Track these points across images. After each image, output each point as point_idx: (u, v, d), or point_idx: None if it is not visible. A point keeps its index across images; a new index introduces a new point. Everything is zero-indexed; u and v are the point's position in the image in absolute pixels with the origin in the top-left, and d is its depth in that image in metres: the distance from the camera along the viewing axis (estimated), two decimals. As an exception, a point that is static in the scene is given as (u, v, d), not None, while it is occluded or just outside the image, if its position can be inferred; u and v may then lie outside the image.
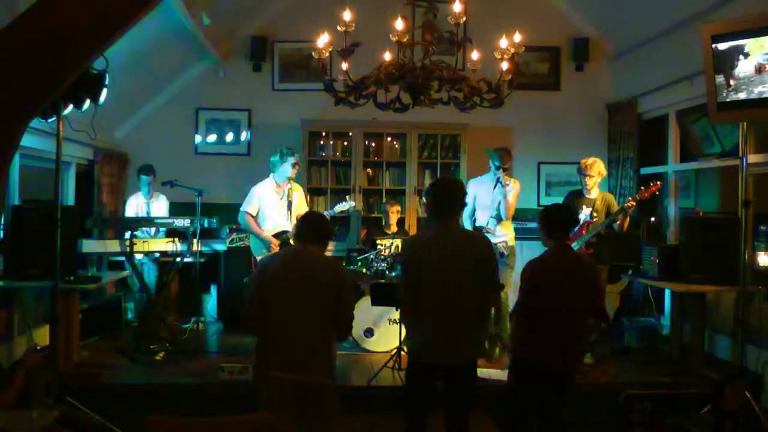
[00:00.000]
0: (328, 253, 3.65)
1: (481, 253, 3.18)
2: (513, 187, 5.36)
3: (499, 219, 5.35)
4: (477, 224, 5.43)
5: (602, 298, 3.60)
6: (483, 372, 3.87)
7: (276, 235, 5.31)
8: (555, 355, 3.31)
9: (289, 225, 5.34)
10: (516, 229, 5.70)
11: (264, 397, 2.93)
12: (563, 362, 3.36)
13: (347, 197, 6.60)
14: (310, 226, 3.15)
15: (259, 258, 5.26)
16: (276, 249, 5.15)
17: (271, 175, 5.43)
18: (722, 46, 4.03)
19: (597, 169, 5.16)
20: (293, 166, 5.33)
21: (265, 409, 2.61)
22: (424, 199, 3.47)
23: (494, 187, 5.29)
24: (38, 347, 3.50)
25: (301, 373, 2.90)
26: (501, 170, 5.27)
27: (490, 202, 5.35)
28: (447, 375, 3.20)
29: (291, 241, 5.16)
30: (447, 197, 3.22)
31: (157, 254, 5.83)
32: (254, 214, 5.36)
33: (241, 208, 5.37)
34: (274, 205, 5.38)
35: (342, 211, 5.59)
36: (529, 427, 3.44)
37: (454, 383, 3.21)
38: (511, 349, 3.45)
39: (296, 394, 2.90)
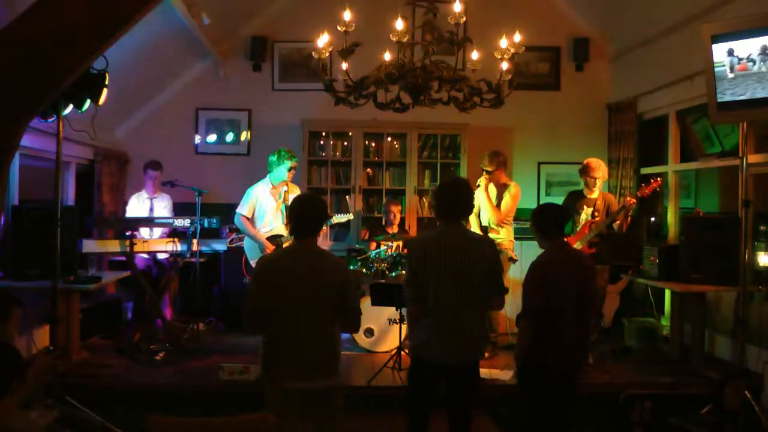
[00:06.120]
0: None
1: (486, 256, 3.17)
2: (508, 191, 5.37)
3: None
4: (482, 224, 5.46)
5: (599, 297, 3.60)
6: (482, 372, 3.85)
7: (270, 239, 5.30)
8: (564, 356, 3.29)
9: (284, 227, 5.33)
10: (516, 229, 5.70)
11: (272, 400, 2.91)
12: (572, 363, 3.35)
13: (347, 198, 6.62)
14: (306, 218, 3.03)
15: (252, 262, 5.24)
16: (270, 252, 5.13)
17: (268, 175, 5.42)
18: (722, 45, 4.03)
19: (602, 170, 5.24)
20: (289, 170, 5.32)
21: (272, 411, 2.60)
22: (432, 200, 3.44)
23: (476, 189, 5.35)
24: (50, 348, 3.50)
25: (310, 378, 2.89)
26: (485, 173, 5.37)
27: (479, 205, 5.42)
28: (449, 375, 3.19)
29: (285, 244, 5.16)
30: (454, 199, 3.21)
31: (158, 254, 5.83)
32: (249, 216, 5.34)
33: (237, 210, 5.36)
34: (269, 207, 5.36)
35: (339, 222, 5.63)
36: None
37: (456, 383, 3.21)
38: (520, 353, 3.38)
39: (305, 397, 2.90)
